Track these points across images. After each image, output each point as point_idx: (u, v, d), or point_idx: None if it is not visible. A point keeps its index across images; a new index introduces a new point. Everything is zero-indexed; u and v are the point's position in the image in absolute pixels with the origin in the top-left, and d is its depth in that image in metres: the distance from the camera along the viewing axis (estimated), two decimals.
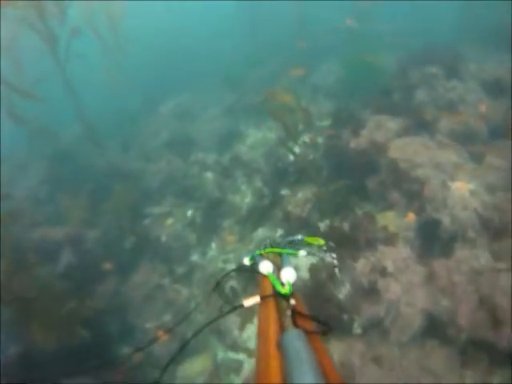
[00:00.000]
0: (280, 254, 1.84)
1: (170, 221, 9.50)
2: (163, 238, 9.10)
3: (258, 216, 8.54)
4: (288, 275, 1.54)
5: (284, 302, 1.32)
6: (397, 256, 6.08)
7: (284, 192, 8.66)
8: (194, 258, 8.99)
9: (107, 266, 8.49)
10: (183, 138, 11.53)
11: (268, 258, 1.80)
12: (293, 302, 1.28)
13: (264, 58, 14.36)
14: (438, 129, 8.22)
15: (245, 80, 13.08)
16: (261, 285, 1.58)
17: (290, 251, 1.85)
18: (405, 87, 9.79)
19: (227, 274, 1.90)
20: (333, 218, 7.62)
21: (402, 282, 5.83)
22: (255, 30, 16.43)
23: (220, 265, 8.66)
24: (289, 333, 0.85)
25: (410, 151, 7.24)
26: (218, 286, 1.84)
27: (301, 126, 10.46)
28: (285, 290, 1.42)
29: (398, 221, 6.84)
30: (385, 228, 6.61)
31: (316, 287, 6.27)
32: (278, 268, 1.68)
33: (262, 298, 1.40)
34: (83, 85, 12.18)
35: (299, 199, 7.92)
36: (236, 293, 7.61)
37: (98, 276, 8.42)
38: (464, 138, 7.85)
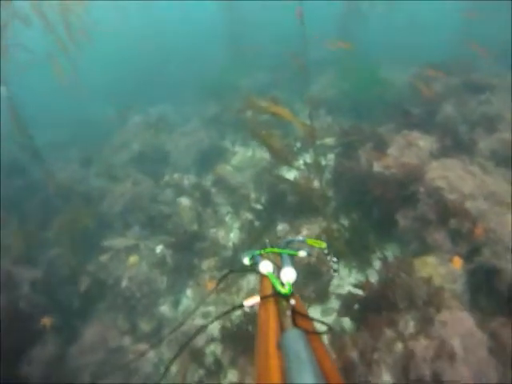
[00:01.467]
0: (280, 254, 1.71)
1: (133, 258, 7.32)
2: (124, 283, 6.90)
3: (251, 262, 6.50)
4: (288, 275, 1.45)
5: (284, 302, 1.28)
6: (460, 326, 4.15)
7: (281, 227, 6.69)
8: (164, 309, 6.84)
9: (46, 321, 6.21)
10: (157, 153, 9.44)
11: (268, 258, 1.71)
12: (293, 301, 1.26)
13: (253, 67, 12.49)
14: (478, 149, 6.52)
15: (232, 90, 11.13)
16: (261, 285, 1.51)
17: (290, 251, 1.71)
18: (426, 102, 8.09)
19: (226, 275, 1.87)
20: (351, 264, 5.72)
21: (473, 365, 3.89)
22: (241, 34, 14.57)
23: (197, 321, 6.55)
24: (289, 333, 0.77)
25: (453, 178, 5.44)
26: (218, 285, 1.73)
27: (298, 145, 8.61)
28: (285, 290, 1.36)
29: (442, 269, 4.99)
30: (428, 281, 4.72)
31: None
32: (278, 268, 1.57)
33: (261, 298, 1.34)
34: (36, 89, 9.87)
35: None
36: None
37: (35, 335, 6.13)
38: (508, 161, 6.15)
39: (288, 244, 1.84)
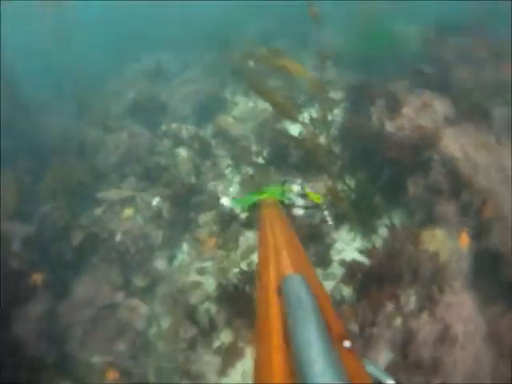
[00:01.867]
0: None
1: (128, 211, 6.96)
2: (118, 236, 6.57)
3: (247, 214, 6.11)
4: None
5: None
6: (462, 309, 3.79)
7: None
8: (159, 264, 6.56)
9: (37, 277, 5.93)
10: (154, 102, 8.82)
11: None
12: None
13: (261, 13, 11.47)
14: (494, 118, 5.88)
15: (236, 37, 10.25)
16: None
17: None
18: (439, 61, 7.31)
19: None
20: (356, 229, 5.31)
21: (469, 352, 3.56)
22: None
23: (193, 276, 6.28)
24: (289, 278, 0.71)
25: (468, 147, 4.90)
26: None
27: (302, 98, 7.95)
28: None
29: (450, 244, 4.57)
30: (435, 256, 4.31)
31: None
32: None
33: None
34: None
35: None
36: None
37: (26, 292, 5.88)
38: None
39: (285, 183, 1.70)
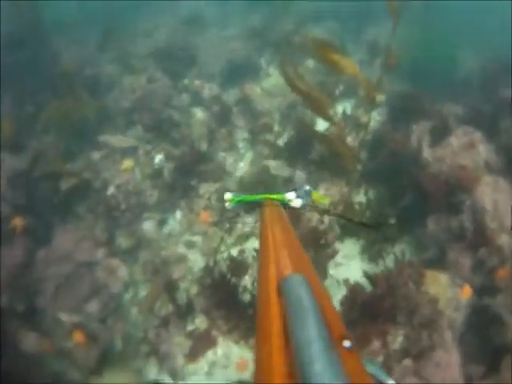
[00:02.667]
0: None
1: (127, 162, 6.33)
2: (111, 189, 5.97)
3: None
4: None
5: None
6: (447, 372, 3.29)
7: (298, 175, 5.52)
8: (147, 226, 5.99)
9: (17, 222, 5.35)
10: (183, 51, 7.96)
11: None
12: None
13: None
14: None
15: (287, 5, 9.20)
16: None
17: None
18: (497, 102, 6.33)
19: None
20: (363, 247, 4.66)
21: None
22: None
23: (180, 248, 5.71)
24: (290, 278, 0.69)
25: (501, 204, 4.29)
26: None
27: (340, 89, 7.09)
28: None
29: (451, 292, 4.06)
30: (434, 301, 3.72)
31: None
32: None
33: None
34: None
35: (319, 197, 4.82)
36: None
37: (4, 236, 5.32)
38: None
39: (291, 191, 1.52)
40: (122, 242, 5.81)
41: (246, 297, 4.78)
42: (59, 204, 5.97)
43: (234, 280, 4.75)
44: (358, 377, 0.52)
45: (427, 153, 4.70)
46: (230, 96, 7.07)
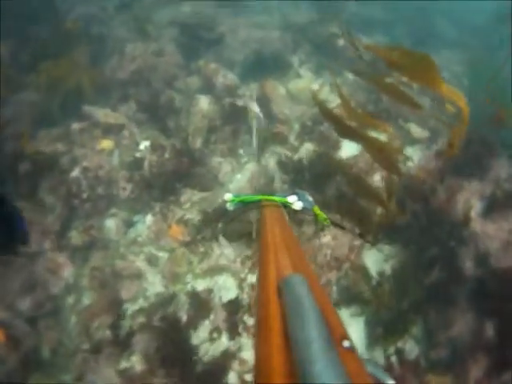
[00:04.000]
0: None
1: (107, 142, 5.15)
2: (77, 171, 4.80)
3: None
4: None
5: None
6: None
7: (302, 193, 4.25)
8: (110, 225, 4.81)
9: None
10: (207, 29, 6.69)
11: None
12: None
13: None
14: None
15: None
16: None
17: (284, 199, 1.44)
18: None
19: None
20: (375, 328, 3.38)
21: None
22: None
23: (139, 262, 4.51)
24: (289, 278, 0.68)
25: None
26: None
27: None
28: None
29: None
30: None
31: None
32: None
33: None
34: None
35: None
36: None
37: None
38: None
39: (292, 194, 1.43)
40: (75, 236, 4.64)
41: (199, 355, 3.57)
42: (21, 176, 4.86)
43: (188, 329, 3.54)
44: (358, 377, 0.49)
45: (479, 225, 3.36)
46: (247, 91, 5.80)
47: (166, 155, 4.93)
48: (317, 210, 1.51)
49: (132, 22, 6.45)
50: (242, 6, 7.21)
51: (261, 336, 0.63)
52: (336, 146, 5.02)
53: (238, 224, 4.35)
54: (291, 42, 6.83)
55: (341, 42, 7.29)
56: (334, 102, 5.98)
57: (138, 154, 5.08)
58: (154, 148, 5.01)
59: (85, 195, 4.71)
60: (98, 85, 5.49)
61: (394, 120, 5.41)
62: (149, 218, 4.85)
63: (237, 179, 4.94)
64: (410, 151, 5.05)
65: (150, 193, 4.98)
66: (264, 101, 5.51)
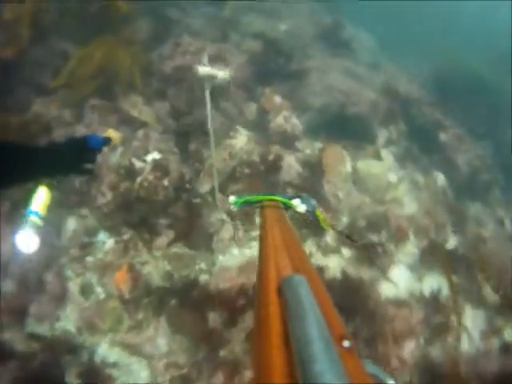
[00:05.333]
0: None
1: (115, 134, 4.03)
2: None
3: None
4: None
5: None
6: None
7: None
8: (70, 224, 3.68)
9: None
10: (294, 53, 5.43)
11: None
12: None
13: None
14: None
15: None
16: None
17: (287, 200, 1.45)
18: None
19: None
20: None
21: None
22: None
23: (74, 282, 3.31)
24: (290, 278, 0.67)
25: None
26: None
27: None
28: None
29: None
30: None
31: None
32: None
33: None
34: None
35: None
36: None
37: None
38: None
39: (295, 198, 1.43)
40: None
41: None
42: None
43: None
44: (358, 377, 0.49)
45: None
46: (306, 147, 4.45)
47: (165, 182, 3.72)
48: (319, 213, 1.47)
49: (217, 19, 5.40)
50: (344, 47, 5.92)
51: (260, 336, 0.61)
52: (383, 270, 3.51)
53: (193, 320, 3.00)
54: (385, 112, 5.39)
55: (444, 135, 5.76)
56: (407, 206, 4.49)
57: (138, 164, 3.93)
58: (157, 166, 3.83)
59: None
60: (144, 70, 4.45)
61: None
62: (110, 243, 3.65)
63: (232, 253, 3.58)
64: None
65: (127, 215, 3.79)
66: (317, 170, 4.12)
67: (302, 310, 0.56)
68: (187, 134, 4.15)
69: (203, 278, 3.45)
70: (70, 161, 1.53)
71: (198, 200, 3.66)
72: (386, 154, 4.86)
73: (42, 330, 3.33)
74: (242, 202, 1.47)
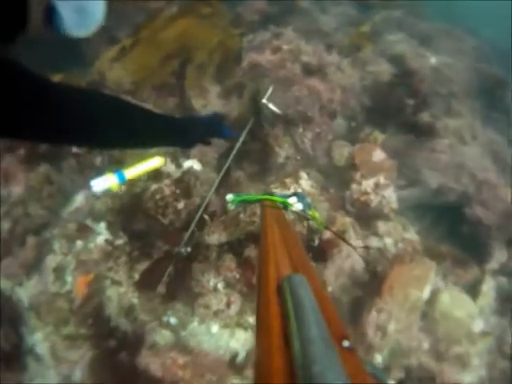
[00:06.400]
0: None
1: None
2: None
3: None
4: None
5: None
6: None
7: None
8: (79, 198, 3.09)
9: None
10: (431, 103, 3.93)
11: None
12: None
13: None
14: None
15: None
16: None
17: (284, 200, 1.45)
18: None
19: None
20: None
21: None
22: None
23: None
24: (290, 278, 0.66)
25: None
26: None
27: None
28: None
29: None
30: None
31: None
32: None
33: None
34: None
35: None
36: None
37: None
38: None
39: (291, 196, 1.42)
40: None
41: None
42: None
43: None
44: (358, 377, 0.48)
45: None
46: (384, 236, 3.14)
47: (180, 205, 2.82)
48: (313, 213, 1.47)
49: (352, 24, 4.10)
50: (504, 113, 4.19)
51: (260, 336, 0.60)
52: None
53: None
54: None
55: None
56: (471, 372, 3.03)
57: (169, 166, 3.11)
58: (183, 180, 2.95)
59: None
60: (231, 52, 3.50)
61: None
62: (101, 239, 2.97)
63: (209, 331, 2.61)
64: None
65: (128, 219, 3.04)
66: (378, 279, 2.80)
67: (302, 309, 0.54)
68: (241, 156, 3.15)
69: (159, 338, 2.60)
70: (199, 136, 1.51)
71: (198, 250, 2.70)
72: (488, 288, 3.25)
73: (3, 286, 2.98)
74: (239, 201, 1.46)
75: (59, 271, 3.00)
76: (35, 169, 3.37)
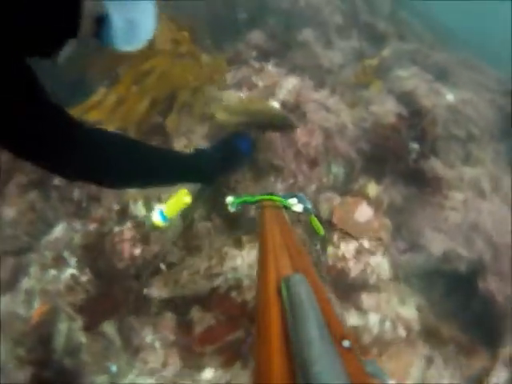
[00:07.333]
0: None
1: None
2: None
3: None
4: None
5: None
6: None
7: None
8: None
9: None
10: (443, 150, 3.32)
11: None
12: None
13: None
14: None
15: None
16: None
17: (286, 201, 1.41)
18: None
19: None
20: None
21: None
22: None
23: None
24: (290, 278, 0.64)
25: None
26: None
27: None
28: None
29: None
30: None
31: None
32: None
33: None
34: None
35: None
36: None
37: None
38: None
39: (292, 197, 1.40)
40: None
41: None
42: None
43: None
44: (358, 377, 0.47)
45: None
46: (368, 311, 2.64)
47: (136, 251, 2.64)
48: (313, 220, 1.43)
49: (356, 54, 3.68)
50: None
51: (260, 337, 0.59)
52: None
53: None
54: None
55: None
56: None
57: (132, 209, 2.96)
58: (142, 226, 2.77)
59: None
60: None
61: None
62: (68, 273, 2.91)
63: None
64: None
65: (92, 256, 2.94)
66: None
67: (303, 309, 0.53)
68: (211, 205, 2.89)
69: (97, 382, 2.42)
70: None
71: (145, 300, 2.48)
72: (498, 381, 2.54)
73: None
74: (239, 203, 1.43)
75: (29, 295, 3.02)
76: (24, 195, 3.47)
